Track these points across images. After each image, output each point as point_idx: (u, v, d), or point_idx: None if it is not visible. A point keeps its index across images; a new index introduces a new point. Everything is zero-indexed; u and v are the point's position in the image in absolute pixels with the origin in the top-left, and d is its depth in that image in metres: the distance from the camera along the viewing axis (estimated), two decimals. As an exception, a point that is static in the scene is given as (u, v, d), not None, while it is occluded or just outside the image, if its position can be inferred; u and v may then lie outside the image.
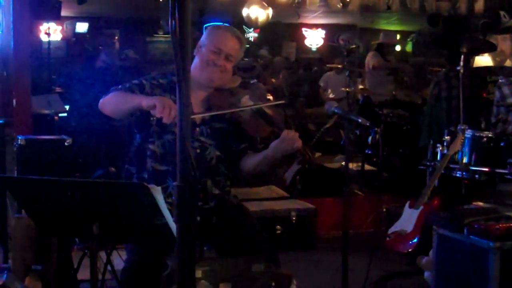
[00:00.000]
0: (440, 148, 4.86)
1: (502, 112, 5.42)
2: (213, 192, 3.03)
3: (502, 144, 4.75)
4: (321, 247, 5.31)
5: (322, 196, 5.91)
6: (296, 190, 6.20)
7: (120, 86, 3.05)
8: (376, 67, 7.77)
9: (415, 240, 4.44)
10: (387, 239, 4.61)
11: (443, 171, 4.74)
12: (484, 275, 3.14)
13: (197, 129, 3.03)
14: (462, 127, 4.79)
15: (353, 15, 9.54)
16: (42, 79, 8.99)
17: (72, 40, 12.57)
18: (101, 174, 5.87)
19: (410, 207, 4.69)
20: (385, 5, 8.04)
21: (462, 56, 5.30)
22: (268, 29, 11.68)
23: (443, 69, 6.79)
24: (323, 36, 13.85)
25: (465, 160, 4.79)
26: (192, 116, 2.96)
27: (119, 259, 3.23)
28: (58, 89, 8.66)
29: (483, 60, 8.26)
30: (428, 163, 5.07)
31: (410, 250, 4.44)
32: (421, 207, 4.57)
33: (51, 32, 10.42)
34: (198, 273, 2.53)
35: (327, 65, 9.65)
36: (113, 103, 2.97)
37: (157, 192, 2.30)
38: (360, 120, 3.13)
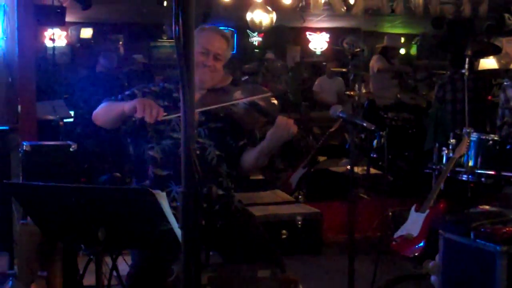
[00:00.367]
0: (446, 151, 4.86)
1: (507, 114, 5.41)
2: (217, 193, 3.02)
3: (508, 147, 4.74)
4: (326, 251, 5.30)
5: (328, 200, 5.90)
6: (301, 194, 6.20)
7: (113, 97, 3.07)
8: (381, 70, 7.76)
9: (421, 244, 4.42)
10: (393, 243, 4.59)
11: (449, 175, 4.73)
12: (491, 279, 3.12)
13: (195, 131, 3.02)
14: (468, 130, 4.79)
15: (357, 18, 9.53)
16: (47, 85, 9.00)
17: (77, 46, 12.60)
18: (106, 179, 5.87)
19: (416, 210, 4.67)
20: (389, 8, 8.03)
21: (467, 59, 5.29)
22: (272, 33, 11.67)
23: (448, 72, 6.79)
24: (327, 40, 13.85)
25: (471, 163, 4.78)
26: (204, 109, 2.98)
27: (124, 265, 3.22)
28: (66, 96, 8.65)
29: (488, 62, 8.24)
30: (433, 167, 5.06)
31: (416, 254, 4.42)
32: (427, 211, 4.55)
33: (55, 37, 10.43)
34: (204, 279, 2.52)
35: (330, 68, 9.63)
36: (102, 114, 3.02)
37: (162, 198, 2.29)
38: (365, 124, 3.11)
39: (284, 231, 5.22)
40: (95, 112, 3.05)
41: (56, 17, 7.43)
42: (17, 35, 5.19)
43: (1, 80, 5.26)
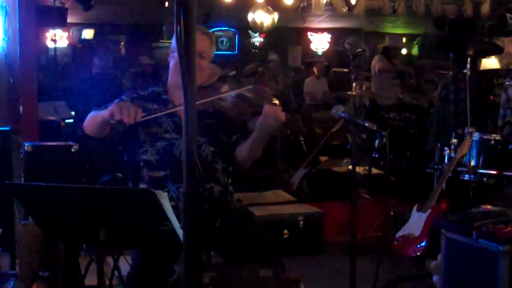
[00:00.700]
0: (448, 151, 4.85)
1: (509, 114, 5.42)
2: (214, 189, 3.02)
3: (509, 146, 4.74)
4: (328, 251, 5.30)
5: (329, 200, 5.89)
6: (303, 194, 6.20)
7: (102, 107, 3.07)
8: (382, 70, 7.75)
9: (423, 244, 4.42)
10: (395, 242, 4.59)
11: (450, 174, 4.73)
12: (493, 279, 3.12)
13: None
14: (470, 130, 4.78)
15: (359, 18, 9.53)
16: (49, 85, 9.00)
17: (78, 46, 12.62)
18: (108, 180, 5.87)
19: (418, 210, 4.67)
20: (391, 8, 8.02)
21: (469, 59, 5.28)
22: (273, 34, 11.68)
23: (450, 72, 6.78)
24: (329, 40, 13.86)
25: (472, 163, 4.78)
26: (173, 110, 2.98)
27: (126, 265, 3.22)
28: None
29: (490, 62, 8.23)
30: (435, 166, 5.06)
31: (418, 253, 4.42)
32: (429, 211, 4.55)
33: (57, 38, 10.44)
34: (206, 279, 2.52)
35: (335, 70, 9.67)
36: (89, 124, 3.04)
37: (164, 198, 2.30)
38: (366, 124, 3.11)
39: (285, 231, 5.22)
40: (84, 123, 3.08)
41: (58, 18, 7.44)
42: (18, 36, 5.19)
43: (2, 81, 5.26)
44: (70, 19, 8.28)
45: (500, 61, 7.80)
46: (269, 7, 8.37)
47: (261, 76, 9.04)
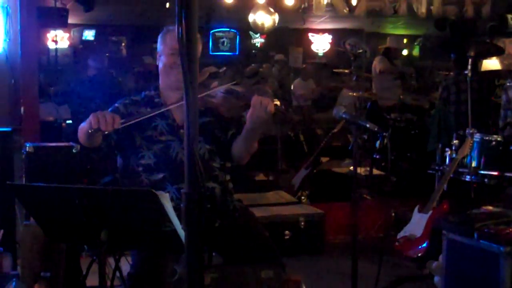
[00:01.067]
0: (449, 152, 4.85)
1: (510, 115, 5.41)
2: (214, 188, 3.02)
3: (511, 147, 4.74)
4: (329, 252, 5.29)
5: (331, 201, 5.89)
6: (304, 195, 6.20)
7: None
8: (383, 71, 7.76)
9: (425, 245, 4.42)
10: (396, 243, 4.59)
11: (452, 175, 4.73)
12: (495, 280, 3.12)
13: (181, 130, 3.04)
14: (471, 131, 4.78)
15: (360, 19, 9.54)
16: (50, 86, 9.00)
17: (79, 47, 12.63)
18: (109, 181, 5.87)
19: (419, 211, 4.67)
20: (392, 9, 8.03)
21: (470, 60, 5.28)
22: (274, 35, 11.69)
23: (452, 73, 6.78)
24: (330, 41, 13.86)
25: (474, 164, 4.78)
26: (164, 109, 2.99)
27: (127, 265, 3.22)
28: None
29: (491, 63, 8.23)
30: (436, 167, 5.06)
31: (419, 254, 4.42)
32: (430, 212, 4.55)
33: (58, 39, 10.45)
34: (207, 280, 2.52)
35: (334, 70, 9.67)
36: (80, 137, 3.04)
37: (165, 199, 2.29)
38: (368, 125, 3.11)
39: (287, 232, 5.22)
40: (78, 136, 3.08)
41: (59, 19, 7.45)
42: (19, 37, 5.19)
43: (4, 82, 5.26)
44: (71, 20, 8.29)
45: (501, 62, 7.80)
46: (270, 8, 8.38)
47: (261, 78, 9.05)
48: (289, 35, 13.12)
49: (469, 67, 5.28)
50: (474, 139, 4.78)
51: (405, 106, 7.18)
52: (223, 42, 13.88)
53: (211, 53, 13.49)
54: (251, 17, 8.41)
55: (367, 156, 6.49)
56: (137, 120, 2.92)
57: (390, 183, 6.50)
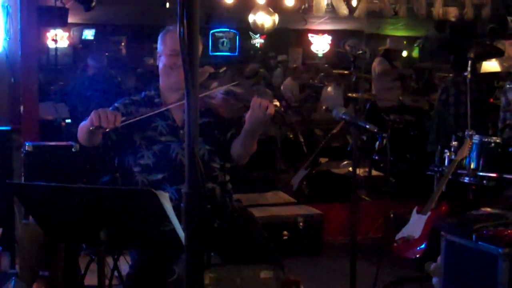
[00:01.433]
0: (448, 154, 4.86)
1: (509, 117, 5.42)
2: (213, 189, 3.03)
3: (509, 149, 4.75)
4: (328, 252, 5.29)
5: (329, 201, 5.89)
6: (303, 195, 6.20)
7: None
8: (382, 73, 7.76)
9: (423, 246, 4.42)
10: (395, 244, 4.59)
11: (450, 177, 4.73)
12: (493, 281, 3.12)
13: (181, 131, 3.05)
14: (470, 133, 4.79)
15: (360, 21, 9.53)
16: (50, 85, 9.00)
17: (79, 47, 12.63)
18: (108, 180, 5.87)
19: (418, 212, 4.67)
20: (392, 10, 8.02)
21: (469, 62, 5.29)
22: (274, 35, 11.70)
23: (451, 75, 6.78)
24: (330, 42, 13.87)
25: (472, 165, 4.79)
26: (164, 109, 3.00)
27: (126, 265, 3.23)
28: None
29: (491, 65, 8.24)
30: (435, 169, 5.07)
31: (418, 256, 4.42)
32: (429, 213, 4.56)
33: (58, 38, 10.45)
34: (206, 280, 2.52)
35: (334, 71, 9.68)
36: (79, 136, 3.06)
37: (165, 199, 2.30)
38: (368, 126, 3.12)
39: (285, 232, 5.22)
40: (77, 134, 3.08)
41: (59, 18, 7.44)
42: (20, 36, 5.19)
43: (3, 81, 5.26)
44: (70, 19, 8.28)
45: (501, 64, 7.81)
46: (270, 9, 8.38)
47: (261, 78, 9.06)
48: (289, 35, 13.13)
49: (469, 68, 5.29)
50: (473, 140, 4.78)
51: (405, 108, 7.18)
52: (223, 42, 13.89)
53: (210, 53, 13.50)
54: (251, 18, 8.41)
55: (366, 157, 6.49)
56: (138, 118, 2.93)
57: (389, 184, 6.50)
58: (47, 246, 3.55)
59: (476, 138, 4.80)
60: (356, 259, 3.14)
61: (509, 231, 3.17)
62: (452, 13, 8.04)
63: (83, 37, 12.51)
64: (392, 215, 5.41)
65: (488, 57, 7.10)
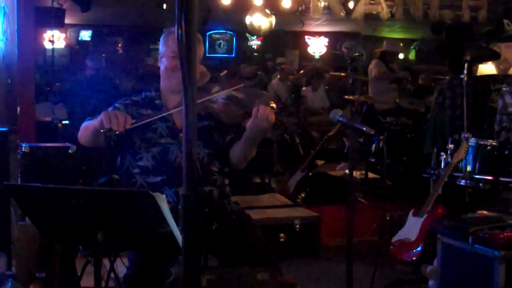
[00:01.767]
0: (444, 156, 4.86)
1: (505, 120, 5.42)
2: (211, 192, 3.03)
3: (506, 152, 4.75)
4: (324, 255, 5.30)
5: (326, 204, 5.90)
6: (299, 198, 6.20)
7: (95, 116, 3.08)
8: (378, 77, 7.78)
9: (419, 249, 4.42)
10: (391, 247, 4.59)
11: (447, 179, 4.74)
12: (489, 284, 3.13)
13: (181, 134, 3.05)
14: (466, 135, 4.79)
15: (356, 23, 9.54)
16: (46, 86, 8.99)
17: (76, 48, 12.61)
18: (105, 181, 5.87)
19: (414, 215, 4.67)
20: (389, 13, 8.04)
21: (466, 64, 5.30)
22: (271, 37, 11.70)
23: (447, 77, 6.79)
24: (326, 44, 13.88)
25: (469, 168, 4.79)
26: (165, 114, 2.99)
27: (123, 267, 3.22)
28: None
29: (487, 68, 8.25)
30: (432, 171, 5.07)
31: (414, 258, 4.42)
32: (425, 216, 4.55)
33: (55, 39, 10.44)
34: (203, 282, 2.52)
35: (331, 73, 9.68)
36: (82, 135, 3.06)
37: (162, 200, 2.30)
38: (365, 129, 3.12)
39: (282, 235, 5.22)
40: (78, 134, 3.09)
41: (56, 19, 7.43)
42: (17, 37, 5.19)
43: (0, 82, 5.26)
44: (67, 20, 8.27)
45: (497, 67, 7.81)
46: (266, 11, 8.39)
47: (260, 80, 9.05)
48: (286, 37, 13.14)
49: (465, 71, 5.30)
50: (469, 143, 4.78)
51: (401, 110, 7.20)
52: (220, 44, 13.89)
53: (207, 55, 13.50)
54: (248, 19, 8.42)
55: (362, 159, 6.50)
56: (146, 121, 2.93)
57: (386, 186, 6.51)
58: (44, 247, 3.55)
59: (472, 140, 4.80)
60: (352, 261, 3.14)
61: (505, 234, 3.18)
62: (448, 15, 8.06)
63: (79, 38, 12.49)
64: (388, 218, 5.41)
65: (484, 59, 7.11)
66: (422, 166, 5.45)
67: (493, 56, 6.46)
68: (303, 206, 5.84)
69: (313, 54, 13.98)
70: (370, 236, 5.51)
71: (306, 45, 13.96)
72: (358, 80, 7.19)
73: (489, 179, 4.75)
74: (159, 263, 2.75)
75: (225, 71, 8.77)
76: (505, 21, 8.18)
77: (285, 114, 8.16)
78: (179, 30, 1.74)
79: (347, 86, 7.09)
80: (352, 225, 3.22)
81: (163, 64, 3.13)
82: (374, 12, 7.81)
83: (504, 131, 5.41)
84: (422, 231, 4.49)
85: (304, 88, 9.70)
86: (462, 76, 5.36)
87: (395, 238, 4.65)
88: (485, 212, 4.02)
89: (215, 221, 3.03)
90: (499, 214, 3.91)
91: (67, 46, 12.51)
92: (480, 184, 4.78)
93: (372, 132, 3.13)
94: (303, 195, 6.30)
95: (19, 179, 4.12)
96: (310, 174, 6.50)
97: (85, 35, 12.50)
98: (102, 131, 2.79)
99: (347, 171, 6.46)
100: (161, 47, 3.16)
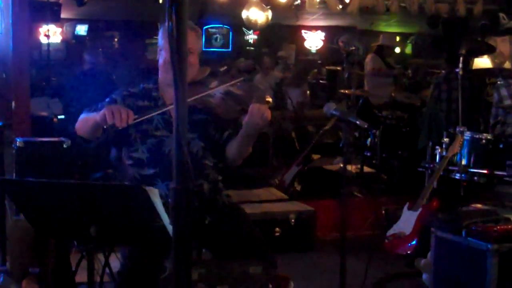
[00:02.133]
0: (439, 150, 4.87)
1: (501, 114, 5.43)
2: (203, 186, 3.03)
3: (500, 146, 4.76)
4: (320, 249, 5.30)
5: (321, 198, 5.90)
6: (295, 192, 6.20)
7: (94, 106, 3.07)
8: (373, 73, 7.77)
9: (414, 242, 4.43)
10: (386, 241, 4.60)
11: (442, 173, 4.74)
12: (482, 277, 3.14)
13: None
14: (461, 129, 4.81)
15: (353, 17, 9.54)
16: (42, 81, 8.97)
17: (72, 42, 12.58)
18: (100, 176, 5.86)
19: (409, 209, 4.68)
20: (384, 7, 8.03)
21: (461, 58, 5.30)
22: (267, 31, 11.68)
23: (443, 71, 6.79)
24: (323, 38, 13.87)
25: (464, 162, 4.80)
26: (163, 110, 2.99)
27: (117, 262, 3.22)
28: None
29: (483, 62, 8.25)
30: (427, 165, 5.08)
31: (409, 252, 4.43)
32: (420, 209, 4.56)
33: (50, 34, 10.41)
34: (195, 276, 2.52)
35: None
36: (81, 126, 3.05)
37: (155, 195, 2.30)
38: (358, 122, 3.12)
39: (277, 229, 5.23)
40: (76, 125, 3.08)
41: (51, 14, 7.42)
42: (11, 31, 5.18)
43: (-5, 76, 5.26)
44: (63, 15, 8.27)
45: (493, 61, 7.83)
46: (263, 5, 8.37)
47: (255, 74, 9.03)
48: (282, 31, 13.11)
49: (460, 65, 5.30)
50: (464, 137, 4.80)
51: (397, 104, 7.19)
52: (216, 38, 13.86)
53: (204, 49, 13.46)
54: (245, 14, 8.40)
55: (358, 153, 6.50)
56: (148, 116, 2.92)
57: (381, 180, 6.52)
58: (38, 242, 3.54)
59: (467, 134, 4.81)
60: (347, 255, 3.14)
61: (498, 227, 3.19)
62: (444, 9, 8.06)
63: (75, 33, 12.45)
64: (383, 212, 5.42)
65: (479, 53, 7.12)
66: (417, 160, 5.46)
67: (488, 50, 6.47)
68: (298, 200, 5.84)
69: (309, 48, 13.96)
70: (366, 230, 5.51)
71: (303, 39, 13.94)
72: (354, 74, 7.19)
73: (484, 173, 4.77)
74: (152, 258, 2.75)
75: (225, 67, 8.74)
76: (501, 14, 8.18)
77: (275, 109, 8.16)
78: (170, 23, 1.74)
79: (343, 80, 7.09)
80: (346, 219, 3.22)
81: (161, 57, 3.12)
82: (370, 6, 7.80)
83: (499, 125, 5.42)
84: (417, 225, 4.50)
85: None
86: (457, 70, 5.36)
87: (390, 232, 4.67)
88: (479, 205, 4.02)
89: (207, 215, 3.03)
90: (493, 207, 3.92)
91: (63, 40, 12.47)
92: (475, 178, 4.80)
93: (366, 126, 3.14)
94: (299, 189, 6.30)
95: (14, 174, 4.11)
96: (306, 168, 6.49)
97: (81, 29, 12.45)
98: (105, 127, 2.79)
99: (342, 165, 6.48)
100: (160, 40, 3.15)
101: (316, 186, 6.32)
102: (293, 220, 5.29)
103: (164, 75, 3.12)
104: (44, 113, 6.85)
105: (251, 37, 13.99)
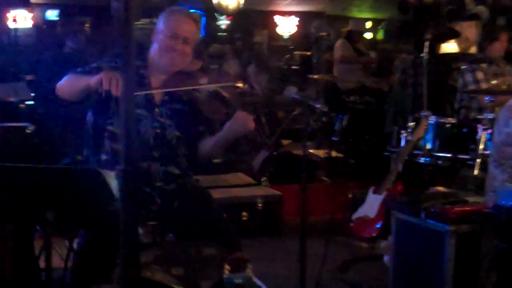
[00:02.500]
0: (405, 134, 4.92)
1: (465, 98, 5.49)
2: (173, 172, 3.04)
3: (464, 130, 4.82)
4: (286, 233, 5.32)
5: (290, 183, 5.92)
6: (263, 176, 6.22)
7: (78, 69, 3.06)
8: (341, 60, 7.78)
9: (379, 225, 4.48)
10: (351, 224, 4.64)
11: (407, 157, 4.79)
12: (440, 258, 3.18)
13: (157, 109, 3.06)
14: (426, 113, 4.85)
15: (325, 2, 9.55)
16: (9, 67, 8.85)
17: (43, 27, 12.43)
18: (68, 162, 5.82)
19: (374, 192, 4.72)
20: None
21: (427, 43, 5.34)
22: (240, 17, 11.65)
23: (410, 56, 6.84)
24: (297, 24, 13.83)
25: (428, 146, 4.86)
26: (150, 92, 3.00)
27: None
28: (29, 77, 8.49)
29: (450, 47, 8.31)
30: (392, 149, 5.13)
31: (373, 235, 4.48)
32: (385, 193, 4.61)
33: (21, 19, 10.28)
34: (150, 257, 2.53)
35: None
36: (66, 86, 3.02)
37: (110, 178, 2.30)
38: (318, 106, 3.14)
39: (244, 213, 5.25)
40: (59, 84, 3.06)
41: (20, -2, 7.32)
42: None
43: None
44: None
45: (459, 46, 7.88)
46: (235, -11, 8.34)
47: (227, 59, 8.99)
48: (255, 17, 13.08)
49: (425, 50, 5.35)
50: (429, 121, 4.85)
51: (365, 89, 7.23)
52: (189, 23, 13.77)
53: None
54: (216, -2, 8.36)
55: (326, 138, 6.53)
56: (139, 94, 2.92)
57: (349, 165, 6.56)
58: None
59: (432, 118, 4.86)
60: (311, 239, 3.19)
61: (455, 209, 3.23)
62: (414, -6, 8.08)
63: (46, 18, 12.31)
64: (350, 196, 5.46)
65: (445, 38, 7.17)
66: (384, 144, 5.51)
67: (453, 35, 6.54)
68: (268, 185, 5.86)
69: (282, 34, 13.94)
70: (333, 214, 5.54)
71: (275, 25, 13.91)
72: (323, 59, 7.21)
73: (448, 157, 4.82)
74: (110, 241, 2.74)
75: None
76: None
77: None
78: (115, 2, 1.73)
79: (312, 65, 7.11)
80: (306, 203, 3.24)
81: (157, 42, 3.09)
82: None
83: (463, 109, 5.47)
84: (382, 208, 4.54)
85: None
86: (422, 55, 5.40)
87: (355, 216, 4.71)
88: (441, 188, 4.07)
89: (176, 199, 3.04)
90: (455, 190, 3.97)
91: (34, 25, 12.32)
92: (439, 162, 4.86)
93: (326, 110, 3.17)
94: (267, 174, 6.32)
95: (-24, 159, 4.07)
96: (275, 153, 6.51)
97: (52, 14, 12.32)
98: (99, 91, 2.77)
99: (312, 150, 6.51)
100: (160, 24, 3.11)
101: (285, 171, 6.34)
102: (260, 205, 5.31)
103: (157, 60, 3.09)
104: (11, 99, 6.77)
105: (224, 22, 13.93)
